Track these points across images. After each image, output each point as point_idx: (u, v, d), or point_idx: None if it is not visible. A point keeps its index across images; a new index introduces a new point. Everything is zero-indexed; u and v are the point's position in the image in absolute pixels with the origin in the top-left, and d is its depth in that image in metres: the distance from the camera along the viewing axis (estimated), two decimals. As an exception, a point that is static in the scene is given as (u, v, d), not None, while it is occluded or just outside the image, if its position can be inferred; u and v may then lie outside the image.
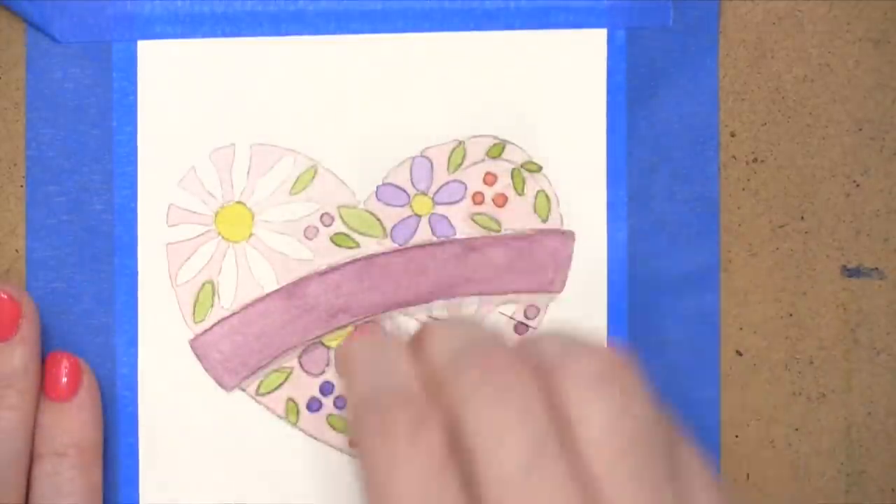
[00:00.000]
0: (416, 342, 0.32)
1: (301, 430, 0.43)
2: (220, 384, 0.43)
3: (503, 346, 0.31)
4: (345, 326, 0.43)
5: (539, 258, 0.43)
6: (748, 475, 0.43)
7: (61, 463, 0.40)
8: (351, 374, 0.32)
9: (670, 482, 0.29)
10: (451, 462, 0.29)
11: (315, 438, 0.43)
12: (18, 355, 0.40)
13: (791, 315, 0.43)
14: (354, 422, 0.31)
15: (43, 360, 0.41)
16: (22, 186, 0.43)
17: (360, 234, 0.43)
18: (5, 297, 0.40)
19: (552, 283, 0.43)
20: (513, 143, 0.43)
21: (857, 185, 0.43)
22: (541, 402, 0.29)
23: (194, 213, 0.43)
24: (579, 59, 0.43)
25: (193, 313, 0.43)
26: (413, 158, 0.43)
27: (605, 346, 0.31)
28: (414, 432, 0.29)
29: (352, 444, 0.31)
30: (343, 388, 0.32)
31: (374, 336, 0.33)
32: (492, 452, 0.29)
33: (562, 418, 0.29)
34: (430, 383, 0.31)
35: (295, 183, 0.43)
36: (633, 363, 0.30)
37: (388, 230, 0.43)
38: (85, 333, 0.42)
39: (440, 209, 0.43)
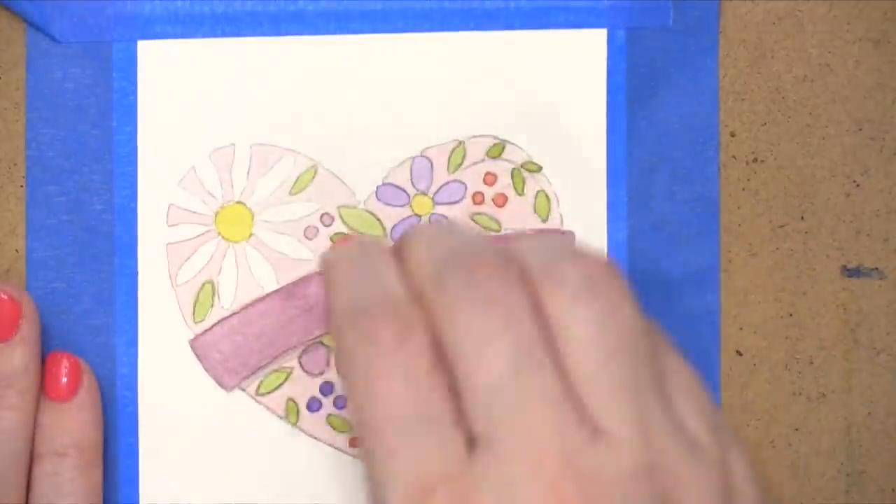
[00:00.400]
0: (400, 249, 0.32)
1: (301, 430, 0.43)
2: (220, 384, 0.43)
3: (488, 253, 0.30)
4: (345, 326, 0.43)
5: (539, 258, 0.43)
6: (748, 475, 0.43)
7: (61, 463, 0.40)
8: (334, 282, 0.32)
9: (655, 389, 0.29)
10: (437, 368, 0.29)
11: (315, 438, 0.43)
12: (18, 355, 0.40)
13: (791, 315, 0.43)
14: (338, 332, 0.30)
15: (43, 360, 0.41)
16: (22, 186, 0.43)
17: (361, 234, 0.43)
18: (5, 297, 0.40)
19: (552, 283, 0.43)
20: (513, 143, 0.43)
21: (857, 185, 0.43)
22: (525, 310, 0.29)
23: (194, 213, 0.43)
24: (579, 59, 0.43)
25: (193, 313, 0.43)
26: (413, 158, 0.43)
27: (591, 253, 0.30)
28: (399, 339, 0.29)
29: (337, 361, 0.30)
30: (326, 298, 0.32)
31: (358, 243, 0.33)
32: (477, 359, 0.28)
33: (547, 325, 0.29)
34: (414, 291, 0.30)
35: (295, 183, 0.43)
36: (619, 271, 0.30)
37: (388, 230, 0.43)
38: (85, 333, 0.42)
39: (440, 209, 0.43)
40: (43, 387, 0.40)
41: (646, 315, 0.30)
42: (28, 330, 0.40)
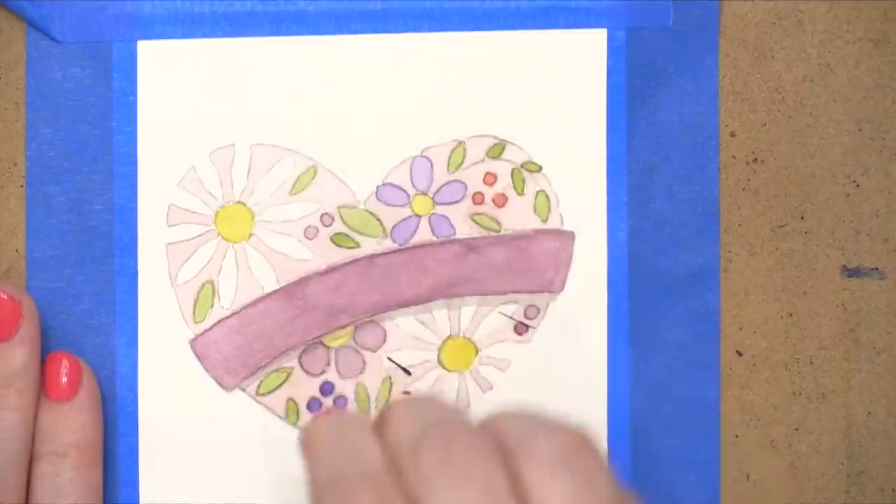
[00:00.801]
0: (380, 423, 0.32)
1: (301, 430, 0.43)
2: (220, 384, 0.43)
3: (465, 427, 0.31)
4: (345, 326, 0.43)
5: (539, 258, 0.43)
6: (748, 475, 0.43)
7: (61, 463, 0.40)
8: (314, 454, 0.32)
9: None
10: None
11: (315, 438, 0.43)
12: (18, 355, 0.40)
13: (791, 315, 0.43)
14: (317, 502, 0.31)
15: (43, 360, 0.41)
16: (22, 186, 0.43)
17: (360, 234, 0.43)
18: (5, 297, 0.40)
19: (552, 283, 0.43)
20: (513, 143, 0.43)
21: (857, 185, 0.43)
22: (503, 484, 0.29)
23: (194, 213, 0.43)
24: (579, 59, 0.43)
25: (193, 313, 0.43)
26: (413, 158, 0.43)
27: (566, 425, 0.31)
28: None
29: None
30: (306, 469, 0.32)
31: (338, 416, 0.33)
32: None
33: (524, 499, 0.29)
34: (393, 465, 0.31)
35: (295, 183, 0.43)
36: (595, 442, 0.30)
37: (389, 230, 0.43)
38: (85, 333, 0.42)
39: (440, 209, 0.43)
40: (43, 387, 0.40)
41: (621, 486, 0.30)
42: (28, 330, 0.40)
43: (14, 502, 0.39)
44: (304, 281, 0.43)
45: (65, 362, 0.41)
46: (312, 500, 0.31)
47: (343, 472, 0.30)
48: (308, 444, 0.33)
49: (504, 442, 0.30)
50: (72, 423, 0.40)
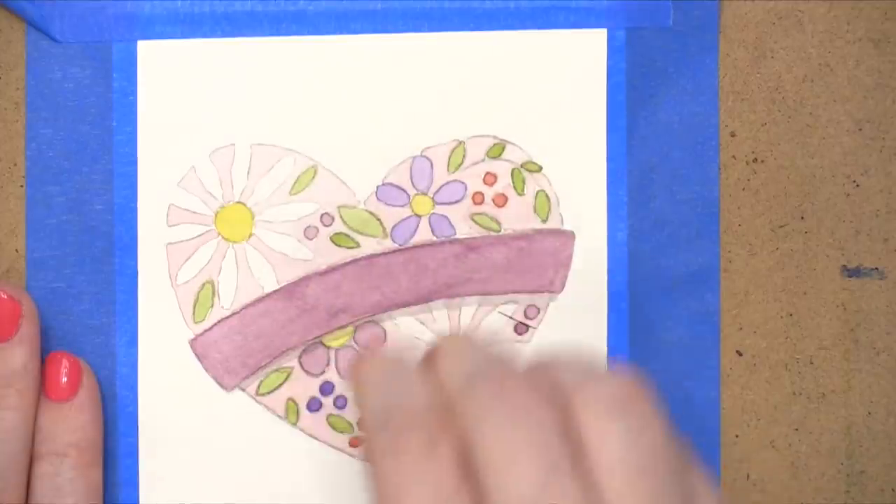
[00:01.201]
0: (429, 361, 0.32)
1: (301, 430, 0.43)
2: (220, 384, 0.43)
3: (519, 367, 0.31)
4: (345, 326, 0.43)
5: (539, 258, 0.43)
6: (748, 475, 0.43)
7: (61, 463, 0.40)
8: (364, 393, 0.32)
9: None
10: (463, 484, 0.29)
11: (315, 438, 0.43)
12: (18, 355, 0.40)
13: (791, 315, 0.43)
14: (367, 442, 0.31)
15: (43, 360, 0.41)
16: (22, 186, 0.43)
17: (360, 234, 0.43)
18: (5, 297, 0.40)
19: (552, 283, 0.43)
20: (513, 143, 0.43)
21: (857, 185, 0.43)
22: (554, 426, 0.29)
23: (194, 213, 0.43)
24: (579, 59, 0.43)
25: (193, 313, 0.43)
26: (413, 158, 0.43)
27: (621, 371, 0.31)
28: (426, 453, 0.29)
29: (366, 468, 0.31)
30: (356, 407, 0.32)
31: (386, 354, 0.33)
32: (504, 475, 0.29)
33: (575, 443, 0.29)
34: (442, 404, 0.31)
35: (295, 183, 0.43)
36: (649, 390, 0.30)
37: (388, 230, 0.43)
38: (85, 333, 0.42)
39: (440, 209, 0.43)
40: (43, 387, 0.40)
41: (675, 434, 0.30)
42: (28, 330, 0.40)
43: (14, 502, 0.39)
44: (304, 281, 0.43)
45: (65, 362, 0.41)
46: (363, 438, 0.31)
47: (393, 410, 0.30)
48: (358, 382, 0.32)
49: (557, 385, 0.30)
50: (72, 423, 0.40)
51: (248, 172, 0.43)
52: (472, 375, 0.30)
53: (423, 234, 0.43)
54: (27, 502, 0.40)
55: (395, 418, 0.30)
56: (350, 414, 0.43)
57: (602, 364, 0.31)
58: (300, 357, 0.43)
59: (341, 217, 0.43)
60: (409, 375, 0.32)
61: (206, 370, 0.43)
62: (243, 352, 0.43)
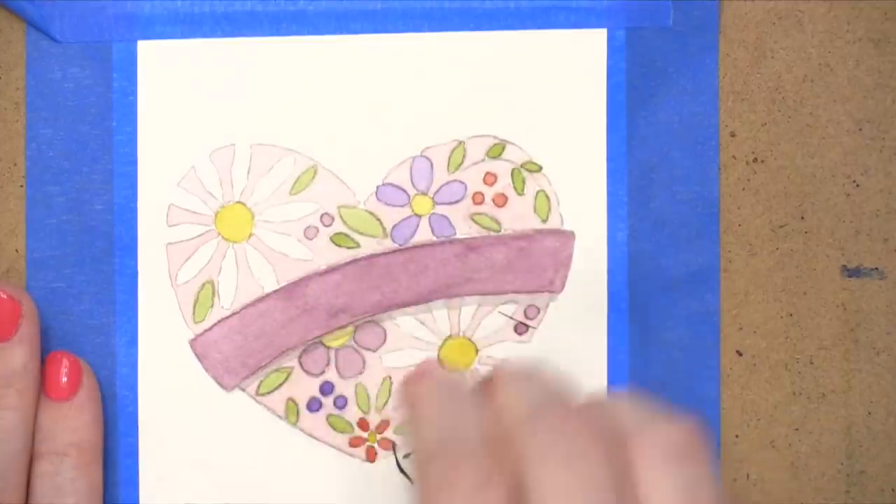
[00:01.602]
0: (486, 390, 0.32)
1: (301, 430, 0.43)
2: (220, 384, 0.43)
3: (579, 407, 0.30)
4: (345, 326, 0.43)
5: (539, 258, 0.43)
6: (748, 475, 0.43)
7: (62, 462, 0.40)
8: (418, 417, 0.32)
9: None
10: None
11: (315, 438, 0.43)
12: (18, 355, 0.40)
13: (791, 315, 0.43)
14: (419, 468, 0.30)
15: (43, 360, 0.41)
16: (22, 186, 0.43)
17: (360, 234, 0.43)
18: (5, 297, 0.40)
19: (552, 283, 0.43)
20: (513, 143, 0.43)
21: (857, 185, 0.43)
22: (610, 472, 0.29)
23: (194, 213, 0.43)
24: (579, 59, 0.43)
25: (193, 313, 0.43)
26: (413, 158, 0.43)
27: (679, 417, 0.30)
28: (477, 489, 0.29)
29: (415, 496, 0.31)
30: (408, 429, 0.32)
31: (441, 376, 0.33)
32: None
33: (631, 491, 0.29)
34: (498, 438, 0.30)
35: (295, 183, 0.43)
36: (705, 439, 0.30)
37: (388, 230, 0.43)
38: (85, 333, 0.42)
39: (440, 209, 0.43)
40: (43, 386, 0.40)
41: (724, 490, 0.30)
42: (28, 329, 0.40)
43: (14, 502, 0.39)
44: (304, 281, 0.43)
45: (65, 362, 0.41)
46: (415, 462, 0.31)
47: (447, 440, 0.30)
48: (412, 403, 0.32)
49: (615, 427, 0.30)
50: (72, 423, 0.40)
51: (248, 172, 0.43)
52: (531, 411, 0.30)
53: (423, 234, 0.43)
54: (27, 502, 0.40)
55: (449, 447, 0.30)
56: (350, 414, 0.43)
57: (660, 407, 0.31)
58: (300, 357, 0.43)
59: (341, 217, 0.43)
60: (464, 402, 0.31)
61: (206, 370, 0.43)
62: (243, 352, 0.43)
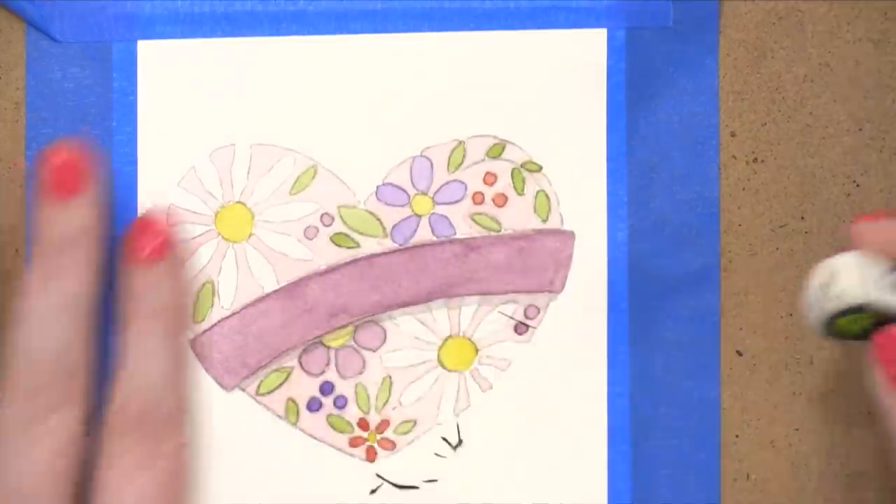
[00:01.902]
0: None
1: (301, 430, 0.43)
2: (220, 384, 0.43)
3: None
4: (345, 326, 0.43)
5: (539, 258, 0.43)
6: (748, 475, 0.43)
7: (150, 326, 0.39)
8: None
9: None
10: None
11: (315, 438, 0.43)
12: (78, 217, 0.38)
13: (791, 315, 0.43)
14: None
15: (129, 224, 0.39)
16: (22, 186, 0.43)
17: (360, 234, 0.43)
18: (67, 151, 0.38)
19: (552, 283, 0.43)
20: (513, 143, 0.43)
21: (857, 185, 0.43)
22: None
23: (194, 213, 0.43)
24: (579, 59, 0.43)
25: (193, 313, 0.43)
26: (413, 158, 0.43)
27: None
28: None
29: None
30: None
31: None
32: None
33: None
34: None
35: (295, 183, 0.43)
36: None
37: (388, 230, 0.43)
38: (85, 333, 0.42)
39: (440, 209, 0.43)
40: (132, 251, 0.39)
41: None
42: (89, 189, 0.38)
43: (77, 359, 0.38)
44: (304, 281, 0.43)
45: (155, 228, 0.39)
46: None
47: None
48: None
49: None
50: (159, 288, 0.39)
51: (248, 172, 0.43)
52: None
53: (423, 234, 0.43)
54: (118, 365, 0.39)
55: None
56: (350, 414, 0.43)
57: None
58: (300, 357, 0.43)
59: (341, 217, 0.43)
60: None
61: (206, 370, 0.43)
62: (243, 352, 0.43)
